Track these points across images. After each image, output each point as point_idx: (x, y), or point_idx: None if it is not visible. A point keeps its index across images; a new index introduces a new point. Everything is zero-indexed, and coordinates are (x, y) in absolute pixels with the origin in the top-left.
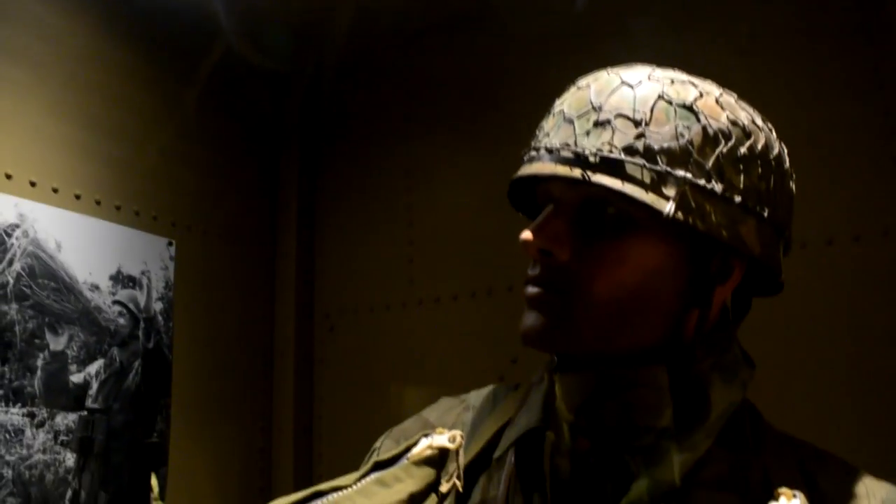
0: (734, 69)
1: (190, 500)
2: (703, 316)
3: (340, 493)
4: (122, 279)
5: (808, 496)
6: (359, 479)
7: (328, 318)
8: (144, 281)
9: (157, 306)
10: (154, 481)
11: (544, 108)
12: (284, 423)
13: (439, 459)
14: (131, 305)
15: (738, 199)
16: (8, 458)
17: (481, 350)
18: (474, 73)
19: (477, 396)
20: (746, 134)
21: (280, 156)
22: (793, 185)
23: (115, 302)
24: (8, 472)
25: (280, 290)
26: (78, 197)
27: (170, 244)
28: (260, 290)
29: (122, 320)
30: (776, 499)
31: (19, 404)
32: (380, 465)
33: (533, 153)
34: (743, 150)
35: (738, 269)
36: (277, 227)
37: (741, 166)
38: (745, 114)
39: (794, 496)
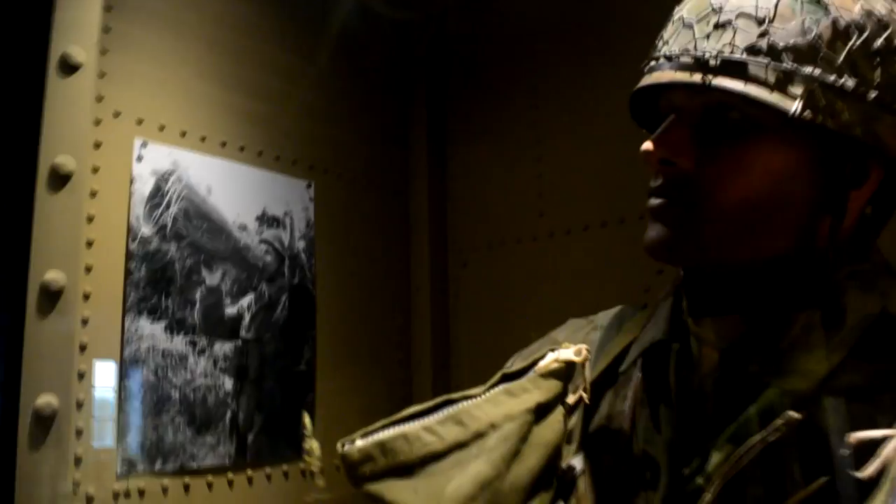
0: None
1: (334, 427)
2: (837, 224)
3: (470, 401)
4: (266, 220)
5: None
6: (487, 390)
7: (461, 254)
8: (287, 221)
9: (300, 245)
10: (307, 419)
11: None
12: (423, 356)
13: (566, 372)
14: (276, 244)
15: (873, 95)
16: (175, 381)
17: (612, 279)
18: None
19: (605, 316)
20: (883, 25)
21: (410, 102)
22: None
23: (262, 241)
24: (176, 394)
25: (414, 229)
26: (224, 144)
27: (308, 186)
28: (395, 229)
29: (268, 258)
30: None
31: (182, 333)
32: (507, 377)
33: (652, 63)
34: (879, 42)
35: (876, 171)
36: (409, 170)
37: (877, 60)
38: (881, 2)
39: None
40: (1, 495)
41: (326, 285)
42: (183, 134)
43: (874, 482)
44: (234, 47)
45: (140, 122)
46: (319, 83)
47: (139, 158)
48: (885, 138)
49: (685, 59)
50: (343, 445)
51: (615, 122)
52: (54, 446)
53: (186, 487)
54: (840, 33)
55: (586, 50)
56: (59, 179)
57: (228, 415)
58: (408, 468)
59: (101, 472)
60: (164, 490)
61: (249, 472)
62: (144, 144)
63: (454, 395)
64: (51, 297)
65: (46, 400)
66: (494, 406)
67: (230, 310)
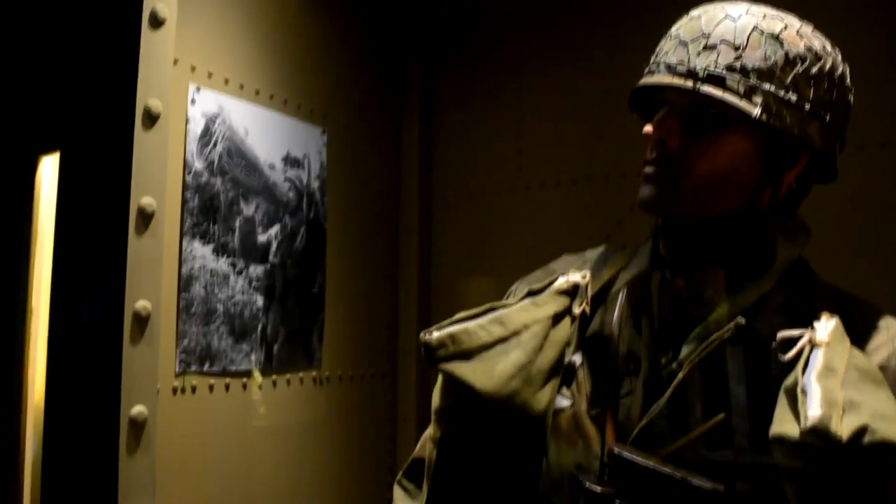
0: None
1: (339, 338)
2: (775, 193)
3: (507, 309)
4: (289, 160)
5: (844, 323)
6: (519, 301)
7: (445, 200)
8: (306, 162)
9: (315, 184)
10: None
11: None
12: (409, 286)
13: (573, 291)
14: (297, 182)
15: (807, 106)
16: (220, 296)
17: (580, 227)
18: None
19: (592, 252)
20: (818, 57)
21: (406, 65)
22: (851, 98)
23: (286, 179)
24: (220, 307)
25: (404, 175)
26: (257, 93)
27: (323, 133)
28: (389, 174)
29: (291, 194)
30: (818, 319)
31: (225, 255)
32: (532, 293)
33: (653, 67)
34: (814, 70)
35: (804, 159)
36: (402, 122)
37: (812, 82)
38: (819, 41)
39: (832, 318)
40: (111, 382)
41: (335, 220)
42: (226, 81)
43: (791, 364)
44: (269, 11)
45: (193, 69)
46: (335, 47)
47: (193, 102)
48: (813, 137)
49: (681, 70)
50: (424, 335)
51: (589, 93)
52: (147, 344)
53: (227, 387)
54: (789, 61)
55: (566, 27)
56: (150, 119)
57: (259, 327)
58: (468, 354)
59: (164, 369)
60: (211, 388)
61: (274, 376)
62: (198, 89)
63: (496, 304)
64: (145, 219)
65: (143, 304)
66: (525, 312)
67: (261, 237)
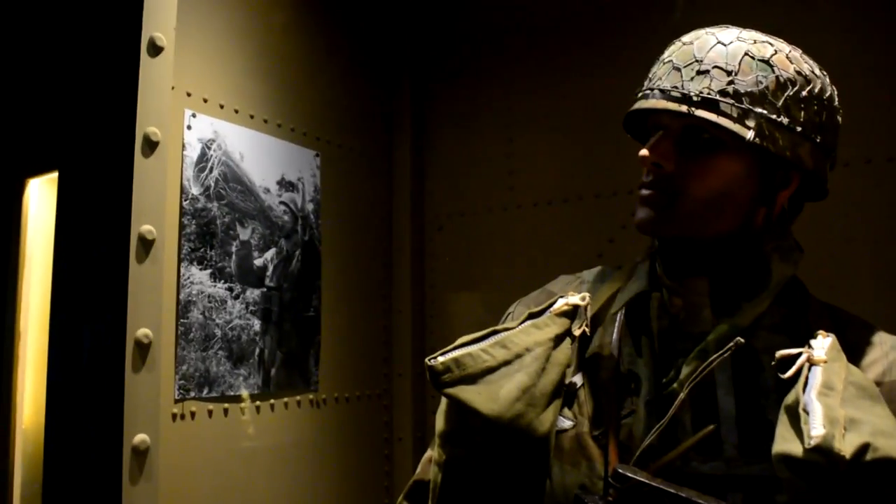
0: (800, 26)
1: (335, 359)
2: (769, 213)
3: (510, 331)
4: (284, 184)
5: (839, 340)
6: (520, 324)
7: (438, 220)
8: (300, 185)
9: (310, 207)
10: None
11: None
12: (403, 305)
13: (572, 312)
14: (292, 205)
15: (798, 129)
16: (218, 321)
17: (571, 247)
18: (573, 7)
19: (589, 273)
20: (807, 81)
21: (398, 87)
22: (839, 118)
23: (281, 202)
24: (218, 332)
25: (397, 195)
26: (252, 117)
27: (316, 156)
28: (381, 195)
29: (286, 217)
30: (815, 337)
31: (222, 280)
32: (532, 315)
33: (647, 92)
34: (804, 93)
35: (796, 179)
36: (394, 143)
37: (802, 105)
38: (808, 65)
39: (828, 336)
40: (113, 411)
41: (329, 242)
42: (221, 107)
43: (793, 381)
44: (262, 37)
45: (189, 95)
46: (327, 71)
47: (189, 127)
48: (804, 158)
49: (675, 94)
50: (429, 360)
51: (579, 114)
52: (148, 371)
53: (226, 411)
54: (780, 85)
55: (557, 47)
56: (150, 146)
57: (257, 351)
58: (473, 378)
59: (164, 396)
60: (210, 413)
61: (272, 400)
62: (194, 115)
63: (498, 328)
64: (146, 246)
65: (144, 332)
66: (526, 335)
67: (257, 261)
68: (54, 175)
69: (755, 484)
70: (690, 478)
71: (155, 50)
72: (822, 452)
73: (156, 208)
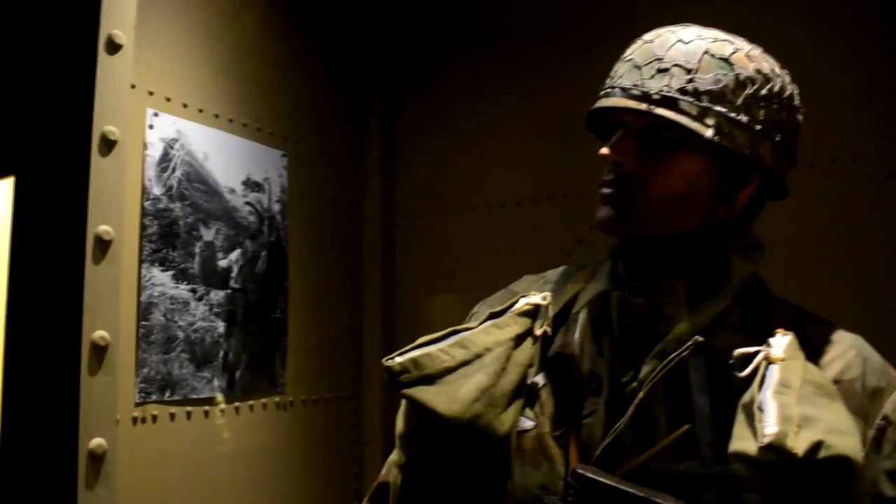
0: (763, 25)
1: (302, 361)
2: (729, 211)
3: (470, 331)
4: (250, 184)
5: (798, 338)
6: (480, 324)
7: (407, 220)
8: (266, 186)
9: (276, 207)
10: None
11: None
12: (372, 306)
13: (534, 312)
14: (258, 206)
15: (758, 127)
16: (180, 323)
17: (540, 246)
18: (542, 8)
19: (553, 273)
20: (767, 79)
21: (367, 88)
22: (800, 118)
23: (246, 203)
24: (180, 334)
25: (366, 196)
26: (216, 116)
27: (283, 156)
28: (350, 195)
29: (251, 218)
30: (773, 336)
31: (185, 282)
32: (493, 315)
33: (609, 90)
34: (764, 91)
35: (756, 178)
36: (363, 144)
37: (762, 104)
38: (768, 64)
39: (787, 334)
40: (69, 414)
41: (296, 243)
42: (185, 106)
43: (749, 379)
44: (228, 35)
45: (151, 93)
46: (295, 71)
47: (151, 127)
48: (764, 156)
49: (635, 92)
50: (386, 360)
51: (548, 115)
52: (105, 374)
53: (188, 415)
54: (740, 84)
55: (526, 49)
56: (107, 145)
57: (221, 353)
58: (431, 378)
59: (123, 399)
60: (172, 416)
61: (237, 403)
62: (156, 114)
63: (458, 328)
64: (103, 246)
65: (101, 334)
66: (487, 335)
67: (222, 262)
68: (10, 179)
69: (730, 482)
70: (665, 477)
71: (113, 48)
72: (775, 450)
73: (114, 208)
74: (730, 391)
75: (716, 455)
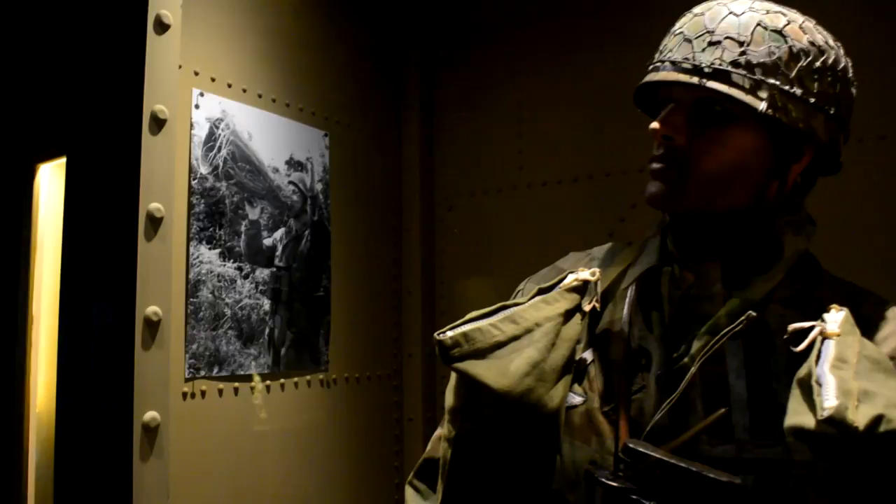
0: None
1: (345, 340)
2: (781, 186)
3: (519, 306)
4: (293, 164)
5: (853, 314)
6: (530, 299)
7: (447, 200)
8: (309, 165)
9: (318, 187)
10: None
11: (645, 15)
12: (413, 286)
13: (582, 288)
14: (301, 185)
15: (812, 100)
16: (227, 300)
17: (582, 225)
18: None
19: (599, 250)
20: (821, 52)
21: (406, 67)
22: (854, 91)
23: (290, 182)
24: (228, 311)
25: (406, 175)
26: (260, 96)
27: (325, 135)
28: (391, 175)
29: (294, 197)
30: (827, 311)
31: (232, 260)
32: (542, 291)
33: (658, 64)
34: (818, 64)
35: (809, 153)
36: (403, 123)
37: (816, 76)
38: (821, 36)
39: (842, 309)
40: (123, 389)
41: (338, 222)
42: (229, 86)
43: (805, 355)
44: (270, 16)
45: (196, 73)
46: (336, 51)
47: (197, 106)
48: (818, 130)
49: (686, 66)
50: (438, 334)
51: (589, 90)
52: (158, 349)
53: (236, 391)
54: (793, 56)
55: (566, 25)
56: (157, 124)
57: (266, 331)
58: (482, 352)
59: (174, 375)
60: (220, 392)
61: (282, 379)
62: (202, 94)
63: (507, 303)
64: (154, 224)
65: (154, 309)
66: (536, 311)
67: (267, 241)
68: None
69: (766, 467)
70: (701, 460)
71: (161, 27)
72: (835, 424)
73: (164, 186)
74: (767, 374)
75: (752, 439)
